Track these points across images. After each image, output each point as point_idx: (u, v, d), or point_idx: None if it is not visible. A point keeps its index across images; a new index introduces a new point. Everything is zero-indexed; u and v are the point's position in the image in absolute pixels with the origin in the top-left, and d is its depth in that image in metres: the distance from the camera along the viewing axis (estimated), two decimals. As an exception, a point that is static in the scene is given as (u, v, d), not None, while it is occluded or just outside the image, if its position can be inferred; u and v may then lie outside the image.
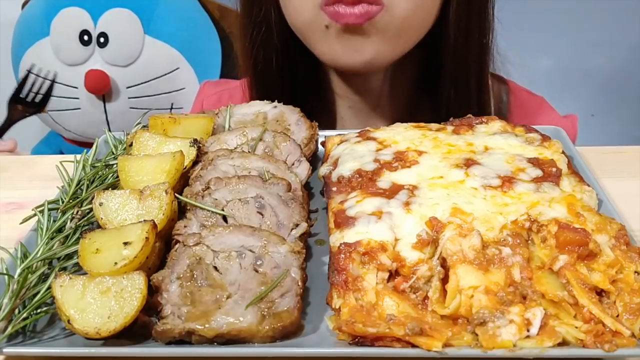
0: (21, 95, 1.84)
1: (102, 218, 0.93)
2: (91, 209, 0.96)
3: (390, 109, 1.50)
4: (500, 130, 1.13)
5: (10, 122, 1.81)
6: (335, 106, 1.53)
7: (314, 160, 1.19)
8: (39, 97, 1.85)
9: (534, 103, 1.56)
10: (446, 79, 1.40)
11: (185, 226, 0.94)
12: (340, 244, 0.87)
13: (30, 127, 2.57)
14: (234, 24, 2.66)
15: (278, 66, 1.43)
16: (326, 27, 1.27)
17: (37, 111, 1.89)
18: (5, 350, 0.78)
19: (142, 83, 2.46)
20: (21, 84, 1.84)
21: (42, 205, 0.98)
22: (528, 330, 0.76)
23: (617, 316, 0.79)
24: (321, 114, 1.48)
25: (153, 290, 0.83)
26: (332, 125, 1.52)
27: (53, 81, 1.88)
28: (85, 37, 2.39)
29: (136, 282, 0.80)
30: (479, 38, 1.38)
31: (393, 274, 0.85)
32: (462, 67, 1.39)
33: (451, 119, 1.19)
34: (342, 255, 0.85)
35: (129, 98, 2.46)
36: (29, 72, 1.90)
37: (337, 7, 1.23)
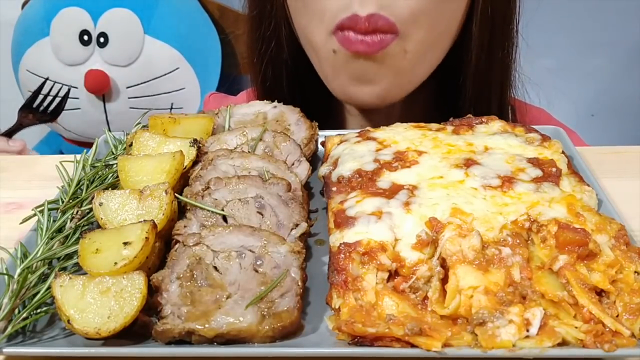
0: (34, 105, 1.82)
1: (102, 218, 0.93)
2: (91, 209, 0.96)
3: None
4: (500, 130, 1.13)
5: (19, 126, 1.80)
6: (345, 123, 1.49)
7: (314, 160, 1.19)
8: (52, 107, 1.84)
9: (536, 115, 1.52)
10: (466, 100, 1.34)
11: (185, 226, 0.94)
12: (340, 244, 0.87)
13: (30, 127, 2.57)
14: (234, 24, 2.67)
15: (288, 82, 1.38)
16: (334, 51, 1.21)
17: (48, 121, 1.88)
18: (5, 350, 0.78)
19: (142, 83, 2.46)
20: (36, 93, 1.83)
21: (42, 205, 0.98)
22: (527, 331, 0.76)
23: (617, 316, 0.79)
24: (330, 129, 1.47)
25: (153, 290, 0.83)
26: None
27: (67, 94, 1.87)
28: (85, 37, 2.40)
29: (136, 282, 0.80)
30: (502, 57, 1.32)
31: (393, 274, 0.85)
32: (484, 88, 1.33)
33: (451, 119, 1.19)
34: (342, 255, 0.85)
35: (129, 98, 2.47)
36: (46, 80, 1.89)
37: (347, 33, 1.16)
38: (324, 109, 1.46)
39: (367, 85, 1.24)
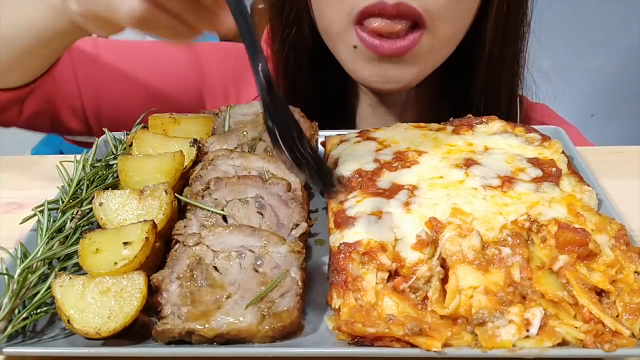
0: None
1: (102, 218, 0.93)
2: (91, 209, 0.96)
3: (412, 113, 1.47)
4: (500, 130, 1.13)
5: None
6: (356, 105, 1.50)
7: (314, 160, 1.18)
8: None
9: (539, 111, 1.54)
10: (477, 90, 1.36)
11: (185, 226, 0.94)
12: (340, 244, 0.87)
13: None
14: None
15: (309, 66, 1.40)
16: (354, 47, 1.22)
17: None
18: (5, 350, 0.78)
19: (142, 83, 2.46)
20: None
21: (42, 205, 0.98)
22: (527, 331, 0.76)
23: (617, 316, 0.79)
24: (340, 111, 1.47)
25: (153, 290, 0.83)
26: (350, 123, 1.49)
27: None
28: (85, 37, 2.39)
29: (136, 282, 0.80)
30: (514, 52, 1.34)
31: (392, 274, 0.85)
32: (495, 83, 1.36)
33: (451, 119, 1.19)
34: (342, 255, 0.85)
35: (129, 98, 2.46)
36: None
37: (370, 37, 1.16)
38: (341, 92, 1.47)
39: (389, 83, 1.26)
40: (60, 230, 0.96)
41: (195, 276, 0.84)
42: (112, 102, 1.47)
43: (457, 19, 1.24)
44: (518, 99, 1.42)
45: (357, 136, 1.14)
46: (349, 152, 1.08)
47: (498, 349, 0.74)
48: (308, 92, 1.41)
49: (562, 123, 1.51)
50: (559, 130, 1.20)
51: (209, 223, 0.94)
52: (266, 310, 0.80)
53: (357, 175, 1.02)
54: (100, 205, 0.94)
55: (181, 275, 0.84)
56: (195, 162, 1.07)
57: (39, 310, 0.83)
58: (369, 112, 1.50)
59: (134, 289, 0.80)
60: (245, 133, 1.13)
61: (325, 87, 1.43)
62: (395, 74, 1.23)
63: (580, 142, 1.39)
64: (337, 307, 0.82)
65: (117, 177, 1.04)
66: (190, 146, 1.08)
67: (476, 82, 1.36)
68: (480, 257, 0.83)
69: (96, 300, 0.79)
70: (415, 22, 1.17)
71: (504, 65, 1.35)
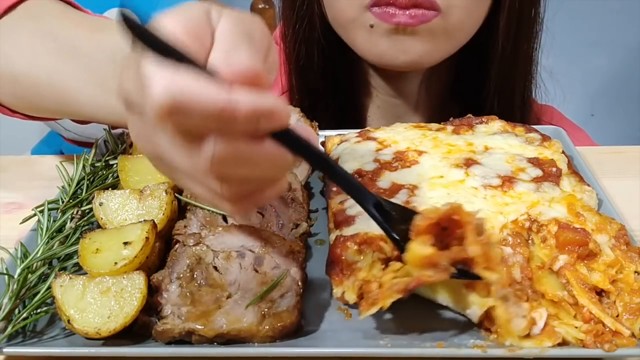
0: None
1: (102, 218, 0.93)
2: (91, 209, 0.96)
3: (422, 115, 1.47)
4: (500, 130, 1.13)
5: None
6: (366, 106, 1.51)
7: (314, 160, 1.18)
8: None
9: (547, 113, 1.53)
10: (490, 91, 1.36)
11: (185, 226, 0.94)
12: (337, 236, 0.87)
13: (30, 127, 2.56)
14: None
15: (320, 60, 1.41)
16: (371, 26, 1.23)
17: None
18: (5, 350, 0.78)
19: (142, 83, 2.46)
20: None
21: (42, 205, 0.98)
22: (530, 330, 0.76)
23: (617, 316, 0.79)
24: (350, 111, 1.46)
25: (153, 290, 0.83)
26: (360, 124, 1.48)
27: None
28: (85, 37, 2.39)
29: (136, 282, 0.80)
30: (527, 49, 1.35)
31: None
32: (508, 80, 1.35)
33: (451, 118, 1.19)
34: (339, 247, 0.85)
35: (129, 98, 2.46)
36: None
37: (387, 8, 1.19)
38: (352, 92, 1.47)
39: (404, 54, 1.26)
40: (60, 230, 0.96)
41: (195, 276, 0.84)
42: None
43: (472, 6, 1.24)
44: (531, 99, 1.42)
45: (357, 136, 1.13)
46: (349, 152, 1.08)
47: (506, 337, 0.75)
48: (319, 89, 1.40)
49: (571, 126, 1.51)
50: (559, 130, 1.20)
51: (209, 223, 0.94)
52: (266, 310, 0.80)
53: (357, 175, 1.01)
54: (100, 205, 0.94)
55: (181, 275, 0.84)
56: (195, 162, 1.07)
57: (39, 310, 0.83)
58: (378, 113, 1.49)
59: (134, 289, 0.80)
60: (245, 133, 1.12)
61: (336, 85, 1.43)
62: (408, 45, 1.23)
63: (588, 145, 1.39)
64: (339, 295, 0.82)
65: (117, 177, 1.04)
66: (190, 146, 1.07)
67: (489, 82, 1.36)
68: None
69: (96, 300, 0.79)
70: (430, 8, 1.19)
71: (518, 64, 1.35)
